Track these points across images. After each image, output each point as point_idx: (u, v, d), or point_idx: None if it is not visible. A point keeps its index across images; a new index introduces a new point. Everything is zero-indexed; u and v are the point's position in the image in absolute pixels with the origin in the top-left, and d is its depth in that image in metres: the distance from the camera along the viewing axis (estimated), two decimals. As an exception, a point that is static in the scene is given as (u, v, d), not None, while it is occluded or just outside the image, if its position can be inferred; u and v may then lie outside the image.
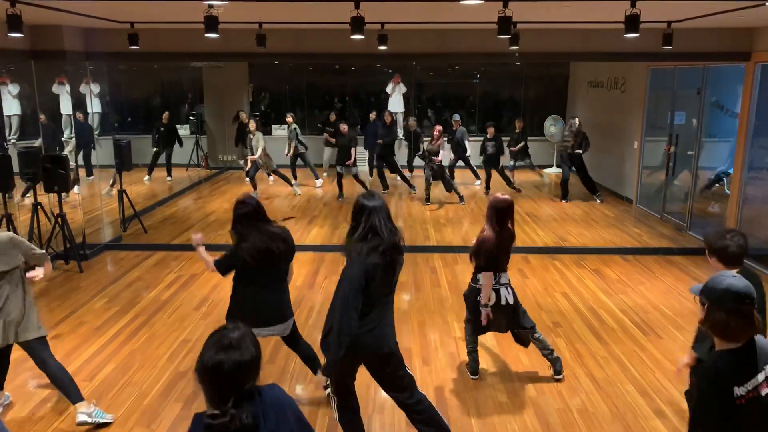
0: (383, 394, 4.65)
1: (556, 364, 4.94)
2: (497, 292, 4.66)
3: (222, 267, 4.31)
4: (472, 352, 4.99)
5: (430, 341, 5.62)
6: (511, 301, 4.72)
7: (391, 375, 3.76)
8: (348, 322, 3.37)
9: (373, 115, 12.59)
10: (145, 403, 4.56)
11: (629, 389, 4.80)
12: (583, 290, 6.95)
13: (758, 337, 2.40)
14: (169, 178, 13.00)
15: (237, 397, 1.93)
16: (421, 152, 11.08)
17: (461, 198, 11.10)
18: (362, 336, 3.46)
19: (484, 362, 5.19)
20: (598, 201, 11.17)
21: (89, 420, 4.17)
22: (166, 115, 12.87)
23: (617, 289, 7.00)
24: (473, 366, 4.98)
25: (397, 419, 4.37)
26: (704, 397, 2.39)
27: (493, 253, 4.56)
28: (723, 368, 2.35)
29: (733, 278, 2.39)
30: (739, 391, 2.30)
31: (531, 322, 4.89)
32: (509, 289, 4.73)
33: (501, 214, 4.55)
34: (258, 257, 4.13)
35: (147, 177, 12.81)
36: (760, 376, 2.34)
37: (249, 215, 4.21)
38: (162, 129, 12.70)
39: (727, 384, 2.31)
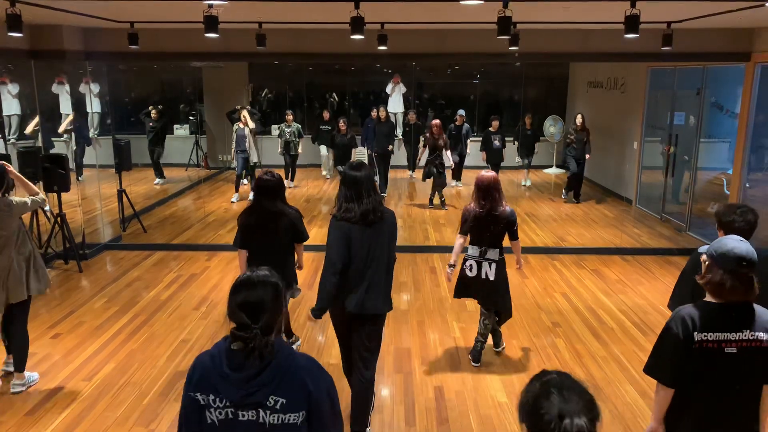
0: (383, 393, 4.66)
1: (477, 348, 5.17)
2: (479, 264, 4.93)
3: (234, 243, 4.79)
4: (480, 341, 5.15)
5: (430, 341, 5.62)
6: (491, 277, 4.90)
7: (365, 336, 3.97)
8: (324, 282, 3.76)
9: (374, 113, 12.41)
10: (145, 402, 4.56)
11: (628, 389, 4.80)
12: (582, 290, 6.95)
13: (757, 306, 2.52)
14: (158, 181, 12.37)
15: (264, 329, 2.03)
16: (430, 157, 10.50)
17: (443, 203, 10.78)
18: (341, 295, 3.81)
19: (484, 363, 5.19)
20: (563, 198, 11.22)
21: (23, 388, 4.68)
22: (154, 112, 12.01)
23: (617, 289, 7.00)
24: (475, 354, 5.14)
25: (396, 419, 4.37)
26: (665, 333, 2.59)
27: (468, 223, 4.88)
28: (692, 313, 2.53)
29: (738, 242, 2.51)
30: (698, 336, 2.49)
31: (504, 313, 5.11)
32: (492, 265, 4.90)
33: (480, 190, 4.83)
34: (246, 232, 4.63)
35: (157, 180, 12.40)
36: (732, 336, 2.47)
37: (262, 188, 4.55)
38: (152, 126, 12.04)
39: (687, 326, 2.50)
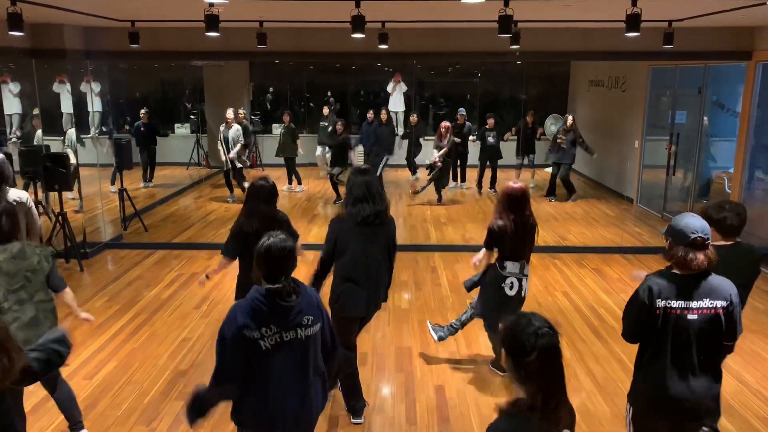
0: (383, 392, 4.67)
1: (450, 330, 5.16)
2: (520, 281, 4.64)
3: (227, 252, 4.36)
4: (457, 327, 5.13)
5: (431, 340, 5.61)
6: (524, 294, 4.71)
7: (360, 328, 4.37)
8: (317, 273, 4.14)
9: (370, 115, 12.22)
10: (146, 401, 4.56)
11: (629, 388, 4.79)
12: (583, 289, 6.95)
13: (715, 277, 2.85)
14: (145, 184, 12.02)
15: (286, 276, 2.75)
16: (434, 159, 10.75)
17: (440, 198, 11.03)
18: (343, 296, 4.09)
19: (484, 363, 5.20)
20: (550, 200, 11.28)
21: None
22: (143, 113, 11.67)
23: (618, 288, 7.00)
24: (500, 366, 5.03)
25: (397, 419, 4.37)
26: (633, 297, 2.95)
27: (503, 240, 4.54)
28: (658, 282, 2.86)
29: (691, 218, 2.84)
30: (661, 302, 2.83)
31: None
32: (526, 281, 4.69)
33: (513, 202, 4.51)
34: (242, 240, 4.21)
35: (144, 183, 12.06)
36: (692, 304, 2.81)
37: (258, 192, 4.30)
38: (142, 129, 11.70)
39: (652, 294, 2.84)
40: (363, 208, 3.96)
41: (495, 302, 4.67)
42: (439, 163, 10.66)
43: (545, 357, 1.96)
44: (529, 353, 1.95)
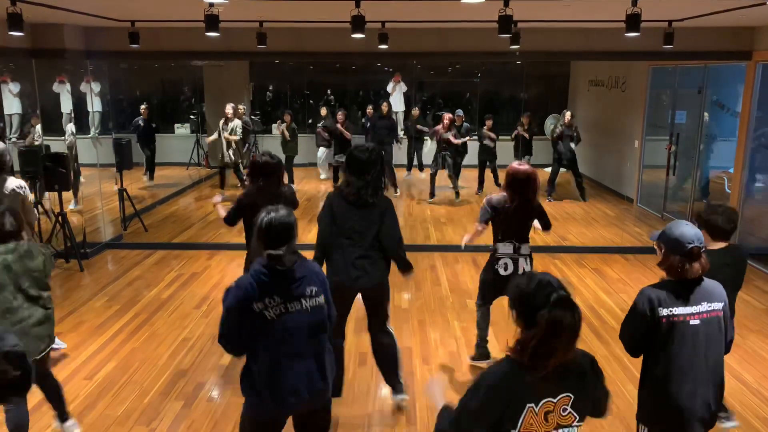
0: (383, 393, 4.67)
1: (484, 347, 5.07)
2: (515, 261, 4.65)
3: (228, 219, 4.69)
4: (481, 346, 5.03)
5: (431, 340, 5.62)
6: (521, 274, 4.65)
7: (371, 307, 4.32)
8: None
9: (369, 110, 12.27)
10: (146, 401, 4.56)
11: (630, 388, 4.79)
12: (583, 289, 6.95)
13: (708, 281, 2.85)
14: (149, 182, 12.15)
15: (286, 246, 2.80)
16: (441, 151, 10.86)
17: (457, 194, 11.10)
18: (339, 272, 4.08)
19: (484, 362, 5.19)
20: (549, 199, 11.23)
21: None
22: (144, 109, 11.81)
23: (618, 288, 7.00)
24: (482, 352, 5.03)
25: (397, 419, 4.37)
26: (632, 310, 2.93)
27: (495, 216, 4.61)
28: (657, 292, 2.85)
29: (685, 226, 2.82)
30: (662, 311, 2.80)
31: None
32: (528, 260, 4.69)
33: (516, 183, 4.51)
34: (246, 211, 4.40)
35: (148, 180, 12.25)
36: (693, 309, 2.79)
37: (263, 168, 4.45)
38: (141, 125, 11.81)
39: (651, 303, 2.82)
40: (349, 184, 4.02)
41: (488, 283, 4.77)
42: (457, 141, 10.72)
43: (549, 328, 2.00)
44: (536, 317, 2.02)
